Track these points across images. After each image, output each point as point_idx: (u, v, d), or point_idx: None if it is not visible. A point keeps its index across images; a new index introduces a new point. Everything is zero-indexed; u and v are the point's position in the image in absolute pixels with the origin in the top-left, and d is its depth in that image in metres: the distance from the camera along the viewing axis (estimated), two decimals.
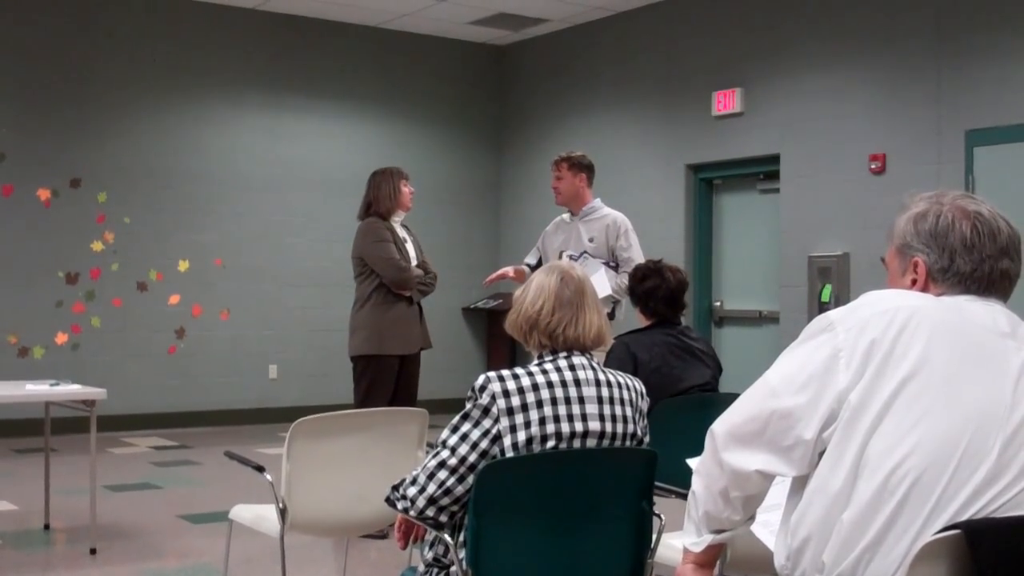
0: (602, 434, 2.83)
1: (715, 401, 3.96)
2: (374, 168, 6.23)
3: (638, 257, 5.89)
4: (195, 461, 8.14)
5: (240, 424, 9.86)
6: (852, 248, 7.94)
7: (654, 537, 2.97)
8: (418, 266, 6.05)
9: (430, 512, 2.80)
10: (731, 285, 9.25)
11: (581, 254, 5.94)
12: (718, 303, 9.28)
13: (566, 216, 6.17)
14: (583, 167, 6.08)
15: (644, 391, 3.00)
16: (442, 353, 9.63)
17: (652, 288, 4.37)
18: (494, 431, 2.74)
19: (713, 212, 9.41)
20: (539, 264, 5.99)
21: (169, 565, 5.21)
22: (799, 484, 2.04)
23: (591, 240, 5.96)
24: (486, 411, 2.75)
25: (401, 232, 6.06)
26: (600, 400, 2.84)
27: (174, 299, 9.82)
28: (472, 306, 11.19)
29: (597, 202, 6.12)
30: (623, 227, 5.99)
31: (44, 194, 9.29)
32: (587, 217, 6.04)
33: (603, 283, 5.68)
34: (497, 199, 11.58)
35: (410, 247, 6.07)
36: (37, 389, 5.45)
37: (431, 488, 2.78)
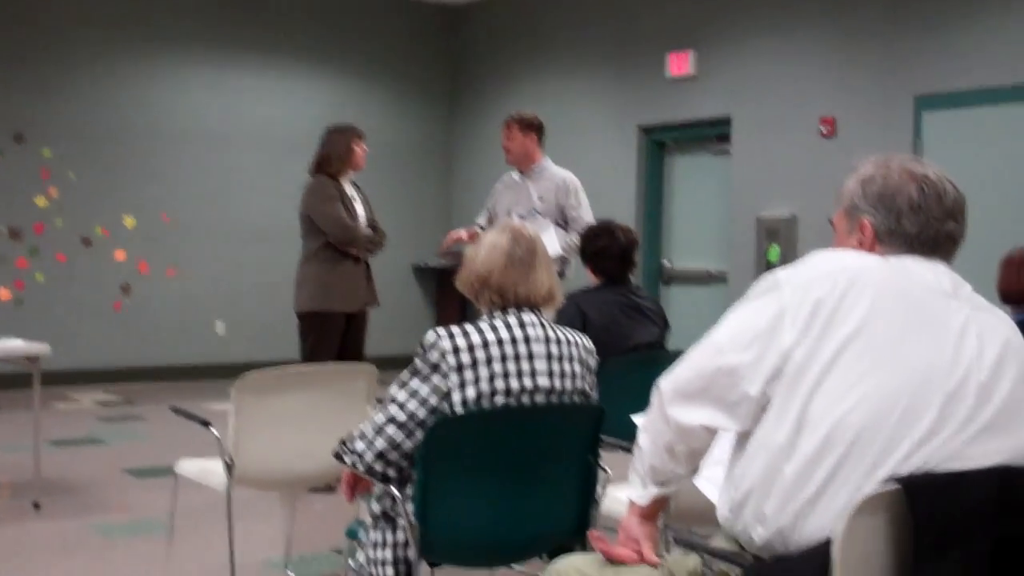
0: (551, 390, 2.85)
1: (662, 358, 3.98)
2: (324, 125, 6.18)
3: (587, 216, 5.91)
4: (140, 417, 8.08)
5: (187, 380, 9.79)
6: (800, 210, 8.01)
7: (600, 490, 3.01)
8: (367, 226, 6.02)
9: (378, 467, 2.81)
10: (681, 245, 9.30)
11: (529, 211, 5.96)
12: (667, 262, 9.33)
13: (515, 175, 6.17)
14: (533, 127, 6.10)
15: (593, 348, 3.02)
16: (392, 311, 9.61)
17: (603, 247, 4.40)
18: (443, 387, 2.75)
19: (664, 173, 9.44)
20: (490, 223, 6.00)
21: (114, 519, 5.18)
22: (742, 439, 2.07)
23: (541, 199, 5.97)
24: (435, 367, 2.76)
25: (350, 190, 6.02)
26: (549, 357, 2.86)
27: (120, 255, 9.69)
28: (423, 265, 11.17)
29: (546, 161, 6.14)
30: (572, 186, 6.01)
31: None
32: (536, 176, 6.05)
33: (552, 242, 5.70)
34: (449, 158, 11.53)
35: (359, 206, 6.03)
36: None
37: (379, 443, 2.79)
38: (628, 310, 4.36)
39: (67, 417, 7.97)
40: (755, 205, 8.35)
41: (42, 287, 9.35)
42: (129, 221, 9.73)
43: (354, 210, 5.96)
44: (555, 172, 6.09)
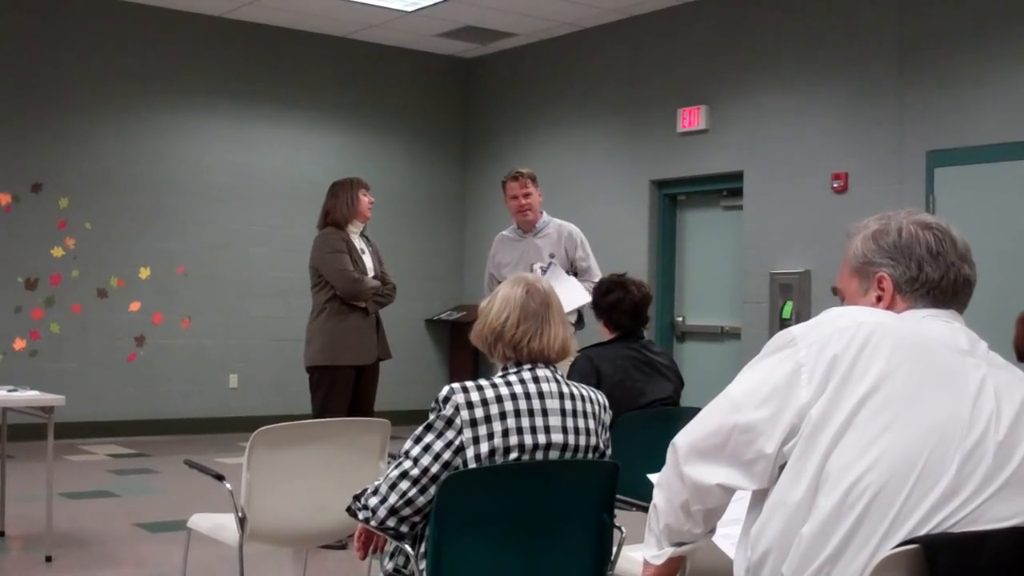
0: (564, 446, 2.84)
1: (677, 415, 3.98)
2: (338, 178, 6.22)
3: (595, 266, 5.92)
4: (153, 470, 8.07)
5: (200, 433, 9.78)
6: (814, 266, 8.01)
7: (614, 550, 2.98)
8: (376, 277, 6.03)
9: (391, 522, 2.80)
10: (694, 300, 9.29)
11: (549, 265, 5.93)
12: (680, 318, 9.32)
13: (508, 232, 6.16)
14: (536, 180, 6.11)
15: (607, 404, 3.01)
16: (404, 364, 9.63)
17: (616, 301, 4.40)
18: (457, 442, 2.74)
19: (677, 228, 9.46)
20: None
21: (126, 573, 5.16)
22: (759, 498, 2.05)
23: (552, 256, 5.96)
24: (449, 422, 2.75)
25: (359, 243, 6.04)
26: (563, 413, 2.85)
27: (135, 306, 9.73)
28: (435, 317, 11.18)
29: (545, 215, 6.15)
30: (579, 238, 6.02)
31: (5, 199, 9.20)
32: (541, 233, 6.04)
33: (581, 291, 5.68)
34: (462, 211, 11.58)
35: (368, 258, 6.04)
36: None
37: (392, 498, 2.78)
38: (642, 365, 4.35)
39: (80, 469, 7.96)
40: (768, 261, 8.35)
41: (57, 338, 9.38)
42: (144, 272, 9.78)
43: (362, 262, 5.97)
44: (559, 225, 6.08)
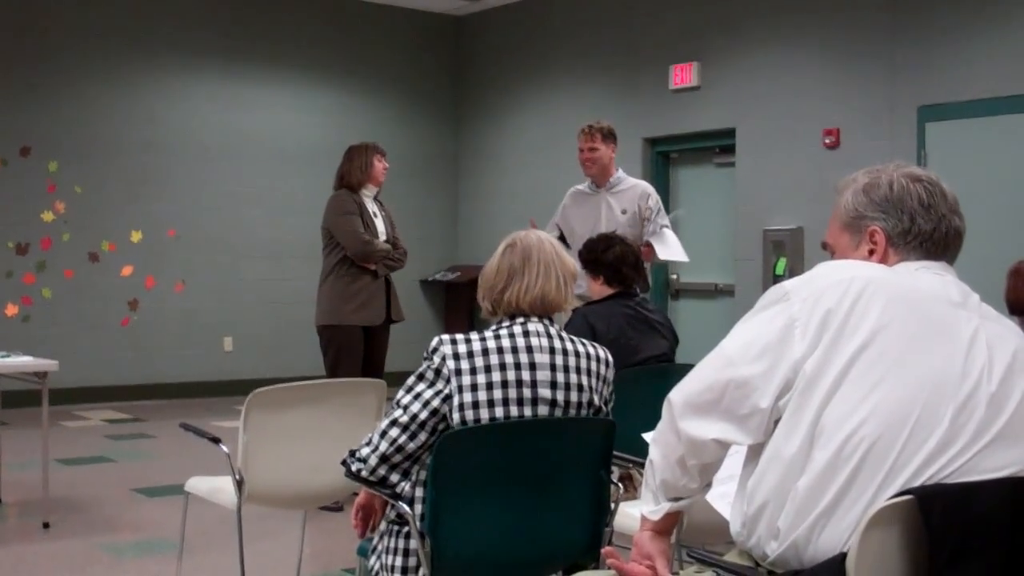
0: (553, 402, 2.85)
1: (672, 372, 3.99)
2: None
3: (670, 230, 5.93)
4: (149, 434, 8.09)
5: (195, 397, 9.80)
6: (806, 222, 8.01)
7: (612, 506, 3.00)
8: (388, 242, 6.06)
9: (382, 471, 2.83)
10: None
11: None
12: (675, 276, 9.33)
13: (583, 187, 6.07)
14: (614, 137, 6.01)
15: (610, 360, 3.02)
16: (400, 326, 9.62)
17: (620, 255, 4.41)
18: (445, 391, 2.78)
19: (670, 185, 9.44)
20: (562, 239, 5.78)
21: (123, 538, 5.18)
22: (755, 452, 2.06)
23: (623, 212, 5.88)
24: (437, 372, 2.80)
25: (372, 206, 6.08)
26: (553, 367, 2.87)
27: (127, 270, 9.71)
28: (430, 278, 11.17)
29: (621, 172, 6.06)
30: (653, 197, 5.96)
31: None
32: (615, 189, 5.97)
33: (679, 250, 5.85)
34: (455, 170, 11.55)
35: (380, 222, 6.10)
36: None
37: (383, 446, 2.81)
38: (637, 323, 4.36)
39: (75, 435, 7.97)
40: (761, 217, 8.35)
41: (49, 303, 9.36)
42: (136, 236, 9.74)
43: (374, 226, 6.02)
44: (633, 183, 6.01)
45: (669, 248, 5.88)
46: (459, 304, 11.02)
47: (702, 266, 9.11)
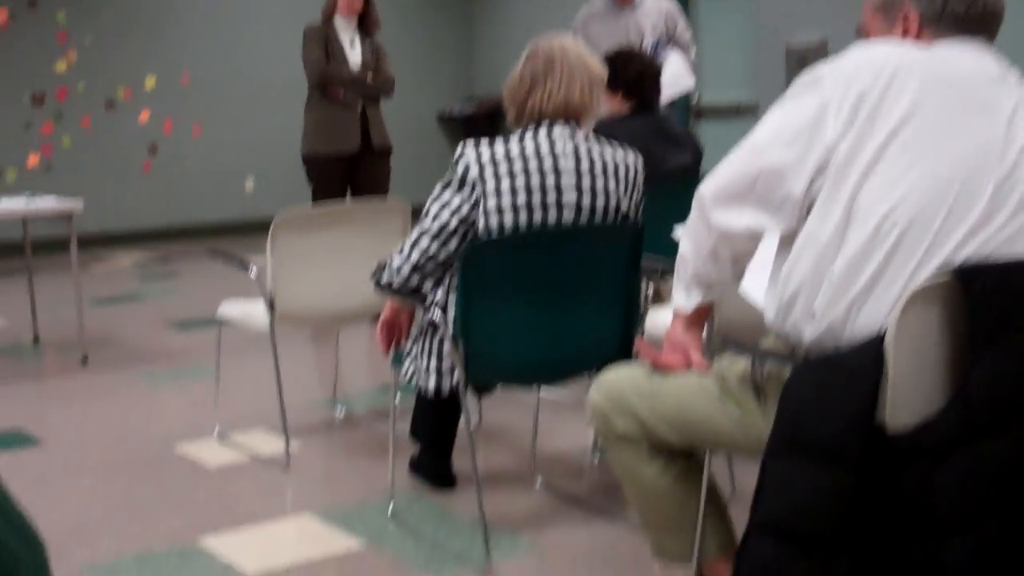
0: (579, 207, 2.84)
1: (698, 182, 3.95)
2: None
3: (691, 41, 5.86)
4: (177, 273, 8.17)
5: (219, 238, 9.83)
6: (830, 34, 7.81)
7: (642, 310, 3.02)
8: (368, 70, 5.95)
9: (415, 280, 2.86)
10: (709, 77, 9.13)
11: (656, 43, 5.73)
12: (697, 96, 9.18)
13: (598, 5, 5.87)
14: None
15: (639, 165, 3.00)
16: (417, 161, 9.59)
17: (642, 70, 4.32)
18: (472, 198, 2.78)
19: (690, 3, 9.20)
20: None
21: (161, 367, 5.28)
22: (787, 239, 2.04)
23: (654, 27, 5.75)
24: (463, 179, 2.79)
25: (349, 35, 6.00)
26: (579, 173, 2.85)
27: (144, 116, 9.63)
28: (447, 113, 11.01)
29: None
30: (678, 11, 5.83)
31: (2, 16, 8.99)
32: (640, 5, 5.80)
33: (686, 76, 5.75)
34: None
35: (356, 52, 6.00)
36: (13, 204, 5.38)
37: (415, 255, 2.83)
38: (660, 137, 4.30)
39: (105, 277, 8.05)
40: (783, 33, 8.15)
41: (70, 152, 9.33)
42: (150, 81, 9.63)
43: (342, 54, 5.96)
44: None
45: (676, 79, 5.72)
46: (476, 137, 10.89)
47: (724, 85, 8.97)
